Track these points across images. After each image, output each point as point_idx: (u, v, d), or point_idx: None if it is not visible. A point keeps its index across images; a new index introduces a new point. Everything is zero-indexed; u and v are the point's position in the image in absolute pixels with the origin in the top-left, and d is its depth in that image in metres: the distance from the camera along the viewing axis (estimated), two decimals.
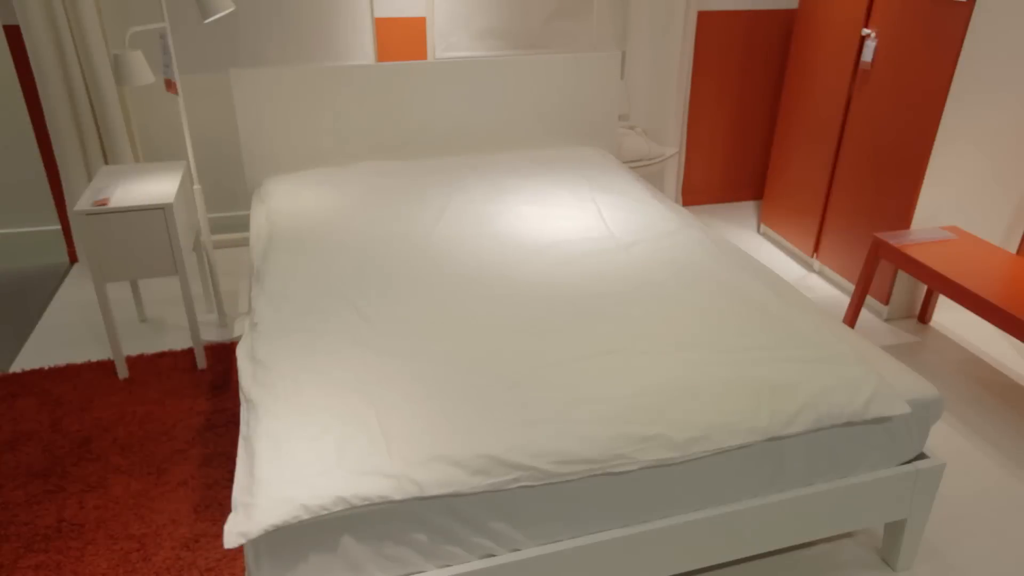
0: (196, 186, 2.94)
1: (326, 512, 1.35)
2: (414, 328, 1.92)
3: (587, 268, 2.27)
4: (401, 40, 3.45)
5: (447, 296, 2.09)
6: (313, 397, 1.64)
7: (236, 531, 1.33)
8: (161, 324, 3.07)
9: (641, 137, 3.66)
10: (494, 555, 1.52)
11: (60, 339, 2.96)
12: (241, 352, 1.89)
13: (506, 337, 1.88)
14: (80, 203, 2.42)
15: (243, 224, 3.82)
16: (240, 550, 1.92)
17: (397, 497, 1.39)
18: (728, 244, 2.48)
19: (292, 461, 1.44)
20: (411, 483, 1.41)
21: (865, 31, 3.06)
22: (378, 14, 3.42)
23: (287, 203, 2.80)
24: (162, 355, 2.82)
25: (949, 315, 3.20)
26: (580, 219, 2.67)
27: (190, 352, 2.83)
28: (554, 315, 1.99)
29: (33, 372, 2.72)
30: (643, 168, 3.68)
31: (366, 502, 1.37)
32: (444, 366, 1.76)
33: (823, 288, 3.44)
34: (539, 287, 2.15)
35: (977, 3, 2.58)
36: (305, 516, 1.34)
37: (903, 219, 2.98)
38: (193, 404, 2.53)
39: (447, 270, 2.25)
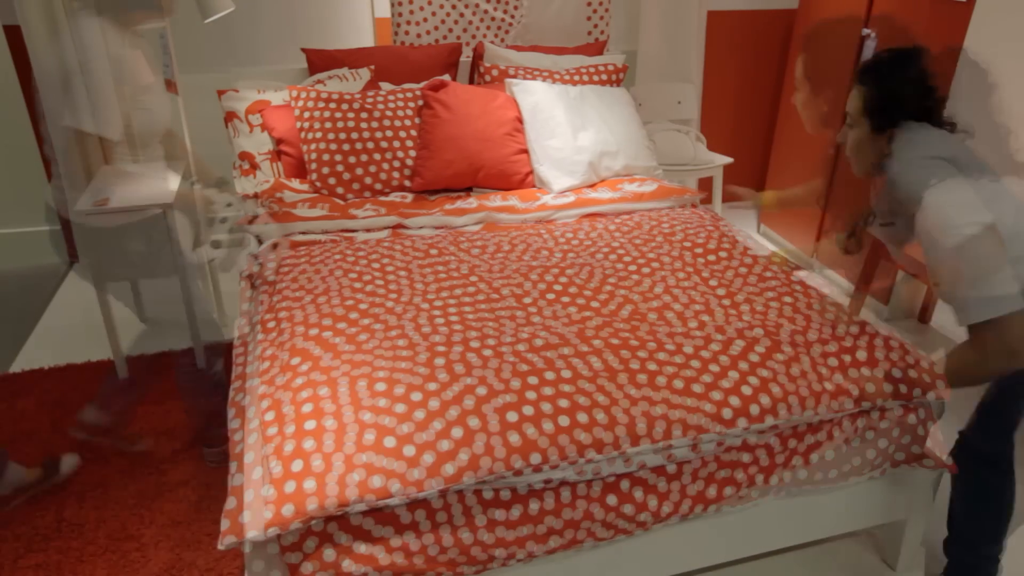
0: (196, 186, 2.94)
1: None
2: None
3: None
4: None
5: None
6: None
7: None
8: (161, 324, 3.07)
9: (688, 139, 3.55)
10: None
11: (60, 339, 2.96)
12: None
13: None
14: (80, 203, 2.42)
15: None
16: (238, 550, 1.92)
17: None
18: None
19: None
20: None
21: (865, 31, 3.06)
22: (378, 14, 3.41)
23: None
24: (162, 355, 2.81)
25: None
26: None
27: (190, 352, 2.83)
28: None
29: (33, 372, 2.71)
30: (682, 172, 3.55)
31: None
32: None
33: (823, 288, 3.43)
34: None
35: (977, 3, 2.58)
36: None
37: None
38: (193, 404, 2.53)
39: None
